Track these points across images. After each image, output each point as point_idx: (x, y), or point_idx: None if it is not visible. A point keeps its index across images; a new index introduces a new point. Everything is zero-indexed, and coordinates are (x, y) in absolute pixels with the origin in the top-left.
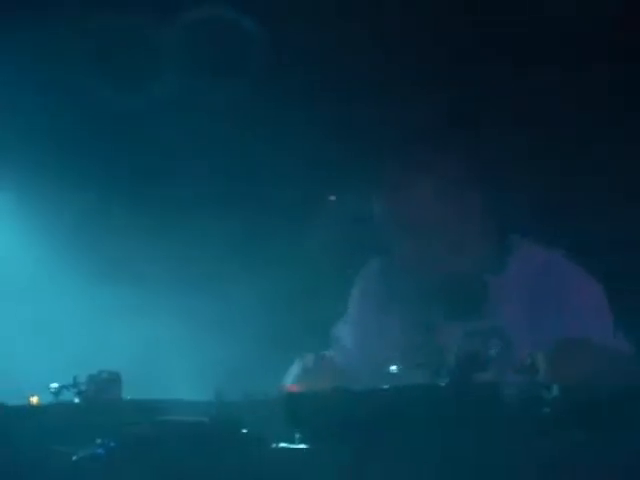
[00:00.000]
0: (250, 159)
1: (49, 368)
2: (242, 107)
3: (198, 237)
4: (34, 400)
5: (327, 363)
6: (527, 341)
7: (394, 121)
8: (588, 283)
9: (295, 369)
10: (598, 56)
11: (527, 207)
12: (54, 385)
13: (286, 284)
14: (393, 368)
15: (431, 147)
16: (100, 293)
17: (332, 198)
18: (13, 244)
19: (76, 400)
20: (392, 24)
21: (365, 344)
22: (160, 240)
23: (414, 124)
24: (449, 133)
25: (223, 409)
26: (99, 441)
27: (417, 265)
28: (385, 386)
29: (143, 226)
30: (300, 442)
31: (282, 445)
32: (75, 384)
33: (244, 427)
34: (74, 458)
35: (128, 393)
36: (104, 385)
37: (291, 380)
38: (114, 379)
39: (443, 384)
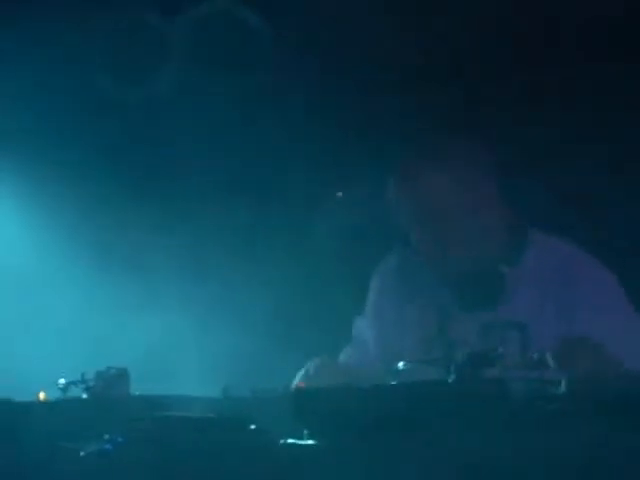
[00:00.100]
0: (258, 151)
1: (57, 364)
2: (249, 99)
3: (206, 231)
4: (42, 396)
5: (338, 366)
6: (544, 334)
7: (411, 111)
8: (605, 276)
9: (305, 372)
10: (618, 47)
11: (545, 199)
12: (62, 381)
13: (295, 279)
14: (401, 364)
15: (449, 137)
16: (108, 288)
17: (339, 194)
18: (19, 239)
19: (84, 396)
20: (403, 14)
21: (384, 339)
22: (167, 234)
23: (432, 114)
24: (467, 123)
25: (230, 405)
26: (107, 437)
27: (434, 257)
28: (393, 382)
29: (149, 220)
30: (308, 438)
31: (290, 441)
32: (83, 380)
33: (251, 423)
34: (82, 454)
35: (135, 389)
36: (112, 381)
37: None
38: (122, 375)
39: (451, 380)
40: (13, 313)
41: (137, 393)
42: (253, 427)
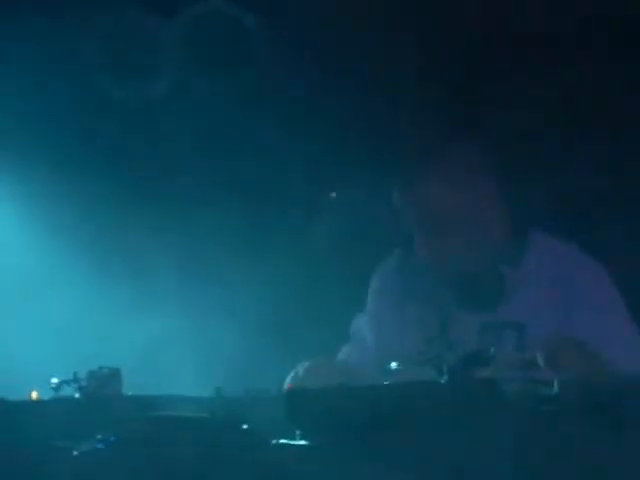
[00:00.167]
0: (256, 152)
1: (49, 363)
2: (248, 99)
3: (204, 232)
4: (34, 395)
5: (328, 367)
6: (542, 334)
7: (411, 113)
8: (603, 277)
9: (295, 374)
10: (623, 46)
11: (545, 200)
12: (54, 380)
13: (293, 280)
14: (394, 365)
15: (448, 140)
16: (105, 289)
17: (333, 195)
18: (17, 239)
19: (76, 395)
20: (405, 14)
21: (383, 339)
22: (165, 234)
23: (431, 115)
24: (466, 125)
25: (223, 405)
26: (99, 436)
27: (435, 258)
28: (385, 383)
29: (147, 220)
30: (300, 438)
31: (282, 441)
32: (75, 379)
33: (244, 423)
34: (74, 453)
35: (128, 389)
36: (104, 380)
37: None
38: (114, 374)
39: (443, 381)
40: (9, 313)
41: (130, 393)
42: (245, 427)
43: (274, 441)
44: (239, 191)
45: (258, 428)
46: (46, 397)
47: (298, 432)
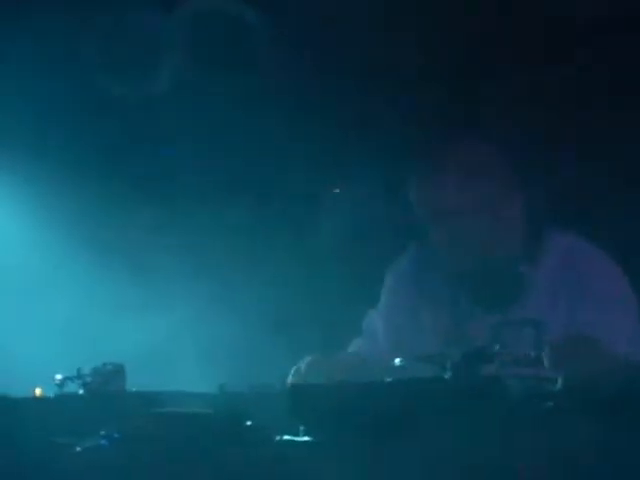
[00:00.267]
0: (258, 149)
1: (53, 360)
2: (249, 98)
3: (206, 230)
4: (38, 392)
5: (329, 364)
6: (557, 331)
7: (427, 110)
8: (619, 275)
9: (297, 370)
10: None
11: (563, 199)
12: (58, 377)
13: (295, 278)
14: (397, 361)
15: (464, 137)
16: (105, 285)
17: (336, 190)
18: (19, 237)
19: (80, 392)
20: (404, 12)
21: (397, 335)
22: (167, 232)
23: (448, 112)
24: (482, 122)
25: (227, 401)
26: (103, 432)
27: (451, 256)
28: (389, 379)
29: (148, 218)
30: (304, 435)
31: (286, 437)
32: (79, 376)
33: (248, 419)
34: (78, 449)
35: (132, 385)
36: (108, 377)
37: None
38: (118, 371)
39: (447, 377)
40: (13, 311)
41: (133, 389)
42: (249, 423)
43: (278, 437)
44: (242, 188)
45: (262, 424)
46: (50, 394)
47: (302, 428)
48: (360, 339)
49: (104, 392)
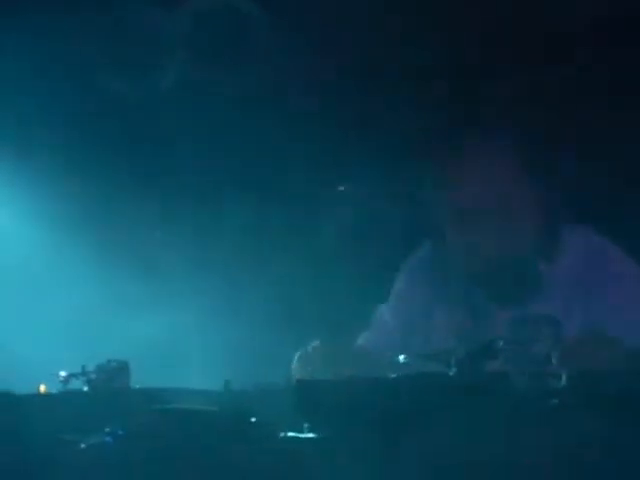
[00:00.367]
0: (262, 147)
1: (57, 357)
2: (254, 93)
3: (209, 226)
4: (42, 389)
5: (335, 350)
6: (576, 330)
7: (443, 108)
8: (637, 272)
9: (301, 355)
10: None
11: (581, 195)
12: (63, 374)
13: (300, 276)
14: (402, 357)
15: (480, 134)
16: (110, 281)
17: (341, 188)
18: (21, 233)
19: (85, 389)
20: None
21: (410, 329)
22: (170, 227)
23: (463, 111)
24: (501, 118)
25: (232, 398)
26: (107, 429)
27: (467, 251)
28: (393, 375)
29: (152, 214)
30: (309, 431)
31: (290, 434)
32: (84, 373)
33: (253, 416)
34: (82, 446)
35: (137, 382)
36: (113, 374)
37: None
38: (122, 368)
39: (452, 373)
40: (15, 307)
41: (138, 386)
42: (254, 420)
43: (282, 434)
44: (247, 185)
45: (266, 421)
46: (54, 391)
47: (306, 425)
48: (368, 332)
49: (108, 389)
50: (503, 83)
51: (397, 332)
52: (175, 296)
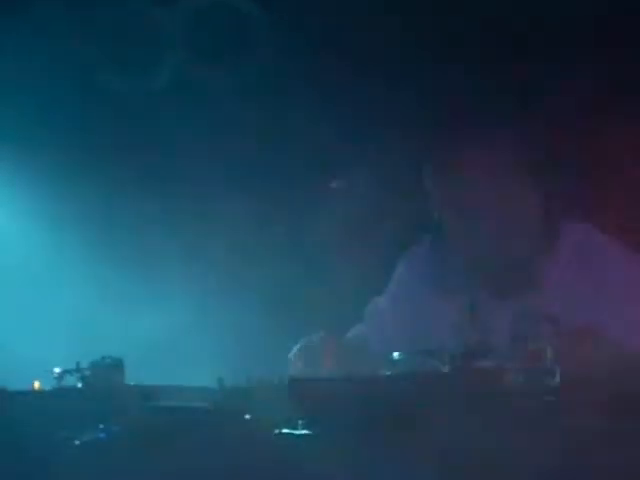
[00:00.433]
0: (261, 142)
1: (52, 353)
2: (251, 93)
3: (205, 222)
4: (37, 385)
5: (333, 342)
6: (574, 325)
7: (443, 102)
8: (636, 265)
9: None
10: None
11: (580, 189)
12: (57, 370)
13: (296, 272)
14: (396, 355)
15: (481, 128)
16: (106, 279)
17: (333, 185)
18: (18, 233)
19: (79, 385)
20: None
21: (409, 323)
22: (164, 225)
23: (468, 103)
24: (501, 113)
25: (225, 395)
26: (101, 426)
27: (467, 245)
28: (388, 372)
29: (151, 213)
30: (303, 428)
31: (284, 431)
32: (78, 369)
33: (247, 413)
34: (76, 442)
35: (131, 379)
36: (107, 371)
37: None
38: (117, 365)
39: (445, 370)
40: (13, 305)
41: (132, 383)
42: (248, 417)
43: (276, 431)
44: (245, 184)
45: (260, 418)
46: (48, 387)
47: (300, 422)
48: (362, 325)
49: (103, 386)
50: (505, 81)
51: (396, 326)
52: (169, 293)
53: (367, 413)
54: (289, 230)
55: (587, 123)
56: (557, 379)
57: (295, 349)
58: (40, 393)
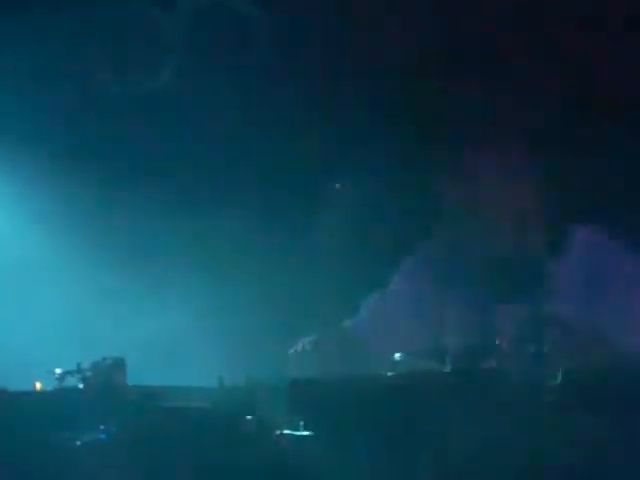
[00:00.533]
0: (261, 143)
1: (53, 354)
2: (251, 93)
3: (205, 222)
4: (38, 386)
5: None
6: (584, 328)
7: (453, 103)
8: None
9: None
10: None
11: (590, 193)
12: (58, 371)
13: (297, 273)
14: (397, 355)
15: (490, 131)
16: (106, 278)
17: (337, 186)
18: (18, 229)
19: (80, 386)
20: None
21: (412, 325)
22: (167, 225)
23: (472, 105)
24: (508, 116)
25: (226, 395)
26: (102, 427)
27: (475, 246)
28: (389, 373)
29: (150, 210)
30: (304, 429)
31: (286, 432)
32: (79, 370)
33: (247, 413)
34: (77, 443)
35: (132, 379)
36: (108, 371)
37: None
38: (118, 365)
39: (447, 371)
40: (12, 305)
41: (133, 383)
42: (249, 417)
43: (277, 432)
44: (244, 184)
45: (261, 418)
46: (50, 388)
47: (302, 422)
48: (360, 320)
49: (104, 386)
50: (504, 82)
51: (396, 324)
52: (170, 293)
53: (369, 414)
54: (289, 230)
55: (598, 125)
56: (559, 380)
57: (295, 347)
58: (41, 394)
